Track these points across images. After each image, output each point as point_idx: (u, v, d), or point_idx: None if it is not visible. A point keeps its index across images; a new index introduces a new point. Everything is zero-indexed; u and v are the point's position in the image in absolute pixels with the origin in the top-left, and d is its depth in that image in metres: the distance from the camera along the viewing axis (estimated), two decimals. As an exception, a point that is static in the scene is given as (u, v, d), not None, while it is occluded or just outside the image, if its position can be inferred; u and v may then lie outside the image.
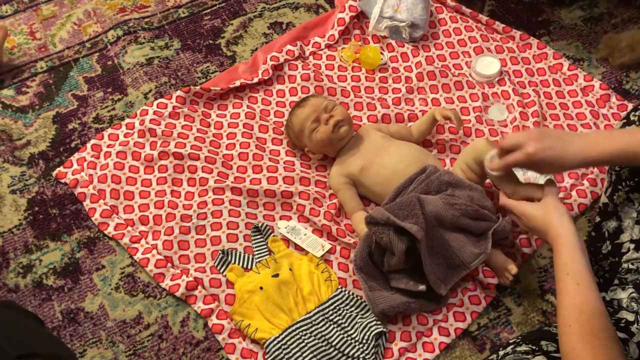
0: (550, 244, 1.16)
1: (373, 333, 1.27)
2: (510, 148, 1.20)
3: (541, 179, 1.44)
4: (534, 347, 1.08)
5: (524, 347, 1.09)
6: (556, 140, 1.15)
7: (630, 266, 1.19)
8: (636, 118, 1.28)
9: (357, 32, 1.79)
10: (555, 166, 1.15)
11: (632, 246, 1.20)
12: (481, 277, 1.35)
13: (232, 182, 1.49)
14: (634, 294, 1.14)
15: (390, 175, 1.41)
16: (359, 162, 1.45)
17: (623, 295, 1.16)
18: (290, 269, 1.36)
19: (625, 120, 1.32)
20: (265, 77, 1.67)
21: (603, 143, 1.12)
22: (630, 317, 1.11)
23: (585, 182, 1.51)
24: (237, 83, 1.66)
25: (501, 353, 1.11)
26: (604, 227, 1.27)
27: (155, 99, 1.66)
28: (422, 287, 1.27)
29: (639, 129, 1.19)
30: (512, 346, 1.11)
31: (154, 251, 1.41)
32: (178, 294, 1.36)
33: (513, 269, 1.30)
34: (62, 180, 1.53)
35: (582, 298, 1.02)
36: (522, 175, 1.44)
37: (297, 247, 1.42)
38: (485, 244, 1.29)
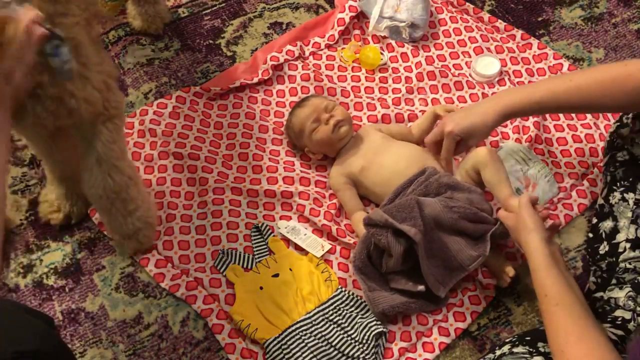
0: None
1: (373, 333, 1.27)
2: (436, 140, 1.36)
3: (541, 180, 1.44)
4: (531, 349, 1.08)
5: (521, 349, 1.09)
6: (463, 111, 1.34)
7: (628, 265, 1.19)
8: (629, 120, 1.29)
9: (357, 32, 1.79)
10: (478, 131, 1.28)
11: (628, 245, 1.20)
12: (480, 278, 1.35)
13: (232, 182, 1.49)
14: (631, 293, 1.15)
15: (390, 176, 1.41)
16: (359, 162, 1.45)
17: (620, 294, 1.16)
18: (290, 269, 1.36)
19: (618, 123, 1.32)
20: (265, 77, 1.67)
21: (514, 94, 1.28)
22: (627, 315, 1.11)
23: (585, 182, 1.51)
24: (237, 83, 1.66)
25: (498, 353, 1.11)
26: (601, 228, 1.27)
27: (156, 98, 1.66)
28: (420, 288, 1.28)
29: (558, 77, 1.29)
30: (508, 346, 1.11)
31: (154, 251, 1.41)
32: (178, 294, 1.36)
33: (511, 271, 1.30)
34: (63, 181, 1.53)
35: (565, 319, 1.01)
36: (522, 175, 1.44)
37: (297, 247, 1.42)
38: (484, 246, 1.28)
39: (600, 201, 1.30)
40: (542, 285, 1.07)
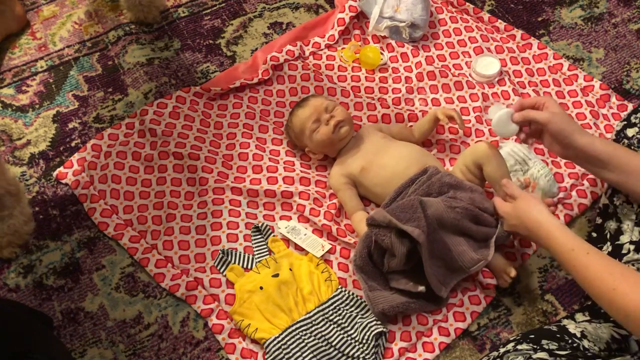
0: (535, 237, 1.18)
1: (373, 333, 1.27)
2: (530, 106, 1.27)
3: (541, 180, 1.44)
4: (535, 346, 1.08)
5: (525, 346, 1.09)
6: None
7: (631, 267, 1.19)
8: (637, 120, 1.28)
9: (357, 32, 1.79)
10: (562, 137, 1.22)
11: (632, 247, 1.20)
12: (480, 278, 1.35)
13: (232, 182, 1.49)
14: None
15: (390, 177, 1.41)
16: (359, 162, 1.45)
17: None
18: (290, 269, 1.36)
19: (625, 122, 1.32)
20: (265, 77, 1.67)
21: None
22: None
23: (586, 182, 1.51)
24: (237, 83, 1.66)
25: (502, 350, 1.11)
26: (606, 229, 1.27)
27: (156, 98, 1.66)
28: (421, 288, 1.27)
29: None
30: (512, 344, 1.11)
31: (154, 251, 1.41)
32: (178, 294, 1.36)
33: (512, 272, 1.30)
34: (63, 181, 1.53)
35: (602, 262, 1.03)
36: (521, 175, 1.44)
37: (297, 247, 1.42)
38: (487, 251, 1.28)
39: (605, 200, 1.30)
40: (564, 243, 1.09)
